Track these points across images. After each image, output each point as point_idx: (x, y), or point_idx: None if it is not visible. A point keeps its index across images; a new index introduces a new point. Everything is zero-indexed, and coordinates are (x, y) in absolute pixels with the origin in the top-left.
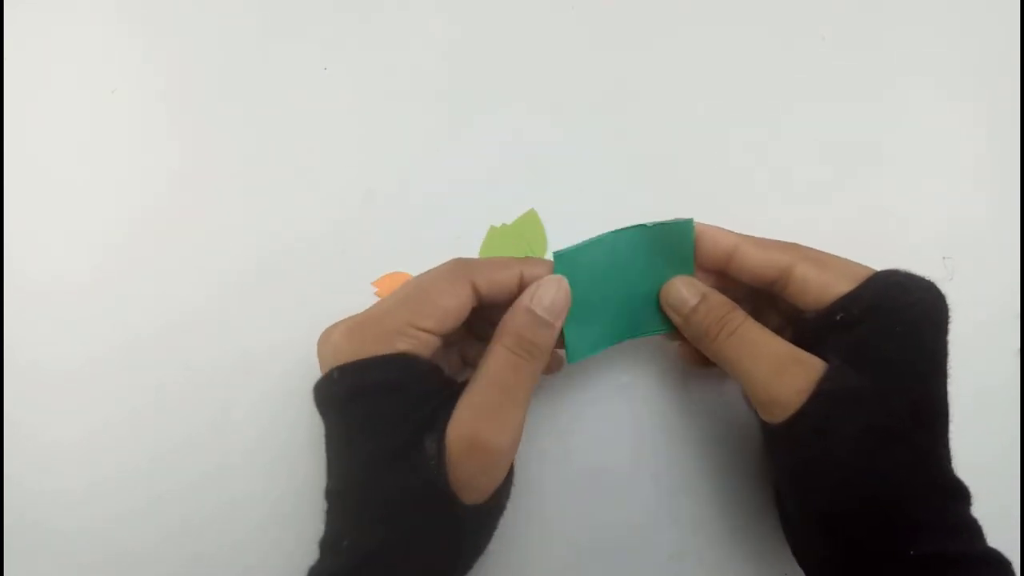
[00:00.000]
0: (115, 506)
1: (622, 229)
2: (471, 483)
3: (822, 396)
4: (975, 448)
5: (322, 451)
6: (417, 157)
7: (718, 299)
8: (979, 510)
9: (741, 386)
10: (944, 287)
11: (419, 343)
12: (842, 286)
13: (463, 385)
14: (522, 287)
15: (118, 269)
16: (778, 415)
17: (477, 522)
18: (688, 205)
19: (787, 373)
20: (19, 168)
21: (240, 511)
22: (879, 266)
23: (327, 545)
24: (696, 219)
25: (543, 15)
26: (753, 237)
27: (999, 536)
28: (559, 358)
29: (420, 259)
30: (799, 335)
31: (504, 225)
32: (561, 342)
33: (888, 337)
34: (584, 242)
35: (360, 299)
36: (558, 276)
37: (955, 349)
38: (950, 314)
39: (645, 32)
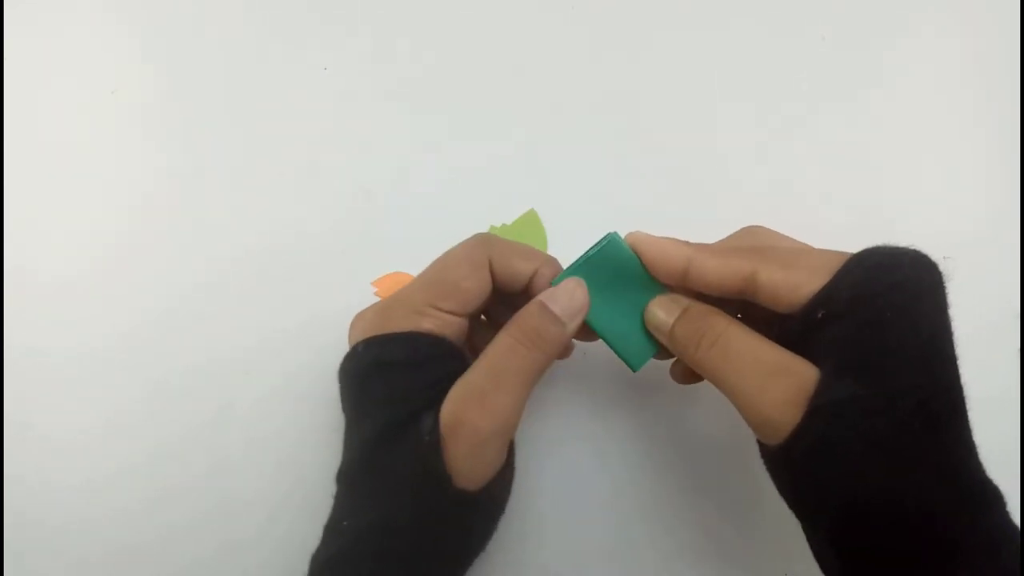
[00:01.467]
0: (115, 502)
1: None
2: (461, 466)
3: (817, 413)
4: None
5: (321, 449)
6: (417, 157)
7: (698, 309)
8: None
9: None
10: None
11: (443, 323)
12: (814, 282)
13: None
14: (533, 282)
15: (118, 268)
16: (772, 437)
17: (469, 512)
18: (687, 205)
19: (775, 388)
20: (19, 168)
21: (240, 508)
22: None
23: (329, 527)
24: (686, 220)
25: (543, 15)
26: (708, 246)
27: None
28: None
29: (420, 259)
30: (786, 341)
31: (504, 225)
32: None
33: (878, 330)
34: (582, 259)
35: (360, 299)
36: (577, 278)
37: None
38: (946, 286)
39: (645, 32)
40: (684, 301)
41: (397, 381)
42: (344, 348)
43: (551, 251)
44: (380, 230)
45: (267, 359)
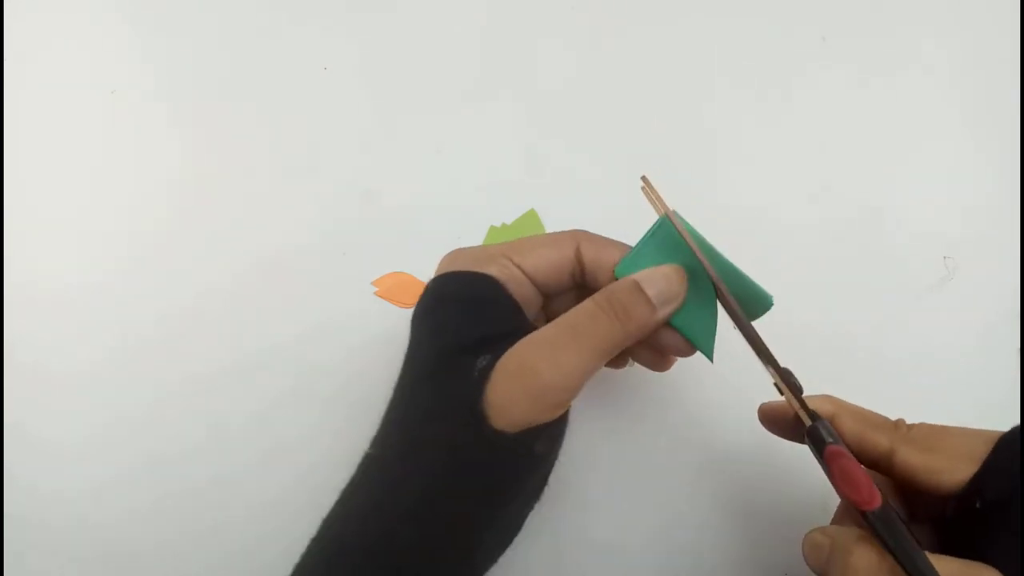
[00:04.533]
0: (116, 506)
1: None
2: (504, 405)
3: None
4: None
5: (322, 450)
6: (417, 157)
7: (840, 543)
8: None
9: None
10: (944, 287)
11: (509, 275)
12: (958, 469)
13: None
14: None
15: (118, 269)
16: None
17: (500, 454)
18: (688, 205)
19: None
20: (19, 169)
21: (240, 513)
22: (880, 266)
23: (359, 465)
24: (687, 220)
25: (542, 14)
26: (854, 408)
27: None
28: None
29: (420, 259)
30: (943, 524)
31: (504, 225)
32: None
33: None
34: (642, 242)
35: (360, 299)
36: (677, 266)
37: (955, 349)
38: None
39: (645, 32)
40: (832, 533)
41: (449, 317)
42: (344, 348)
43: None
44: (380, 230)
45: (268, 359)
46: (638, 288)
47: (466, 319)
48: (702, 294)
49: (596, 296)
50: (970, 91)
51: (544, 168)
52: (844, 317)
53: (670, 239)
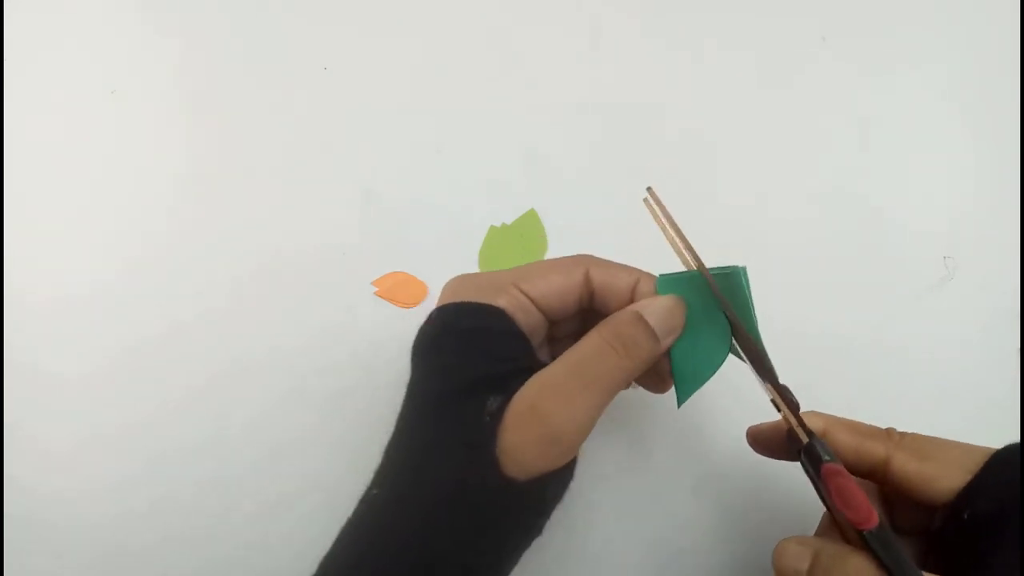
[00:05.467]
0: (116, 507)
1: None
2: (516, 453)
3: None
4: None
5: (322, 451)
6: (417, 157)
7: (830, 553)
8: None
9: None
10: (944, 287)
11: (518, 305)
12: (952, 477)
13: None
14: (634, 298)
15: (118, 271)
16: None
17: (509, 501)
18: (688, 204)
19: None
20: (20, 169)
21: (240, 514)
22: (880, 266)
23: (360, 500)
24: (686, 219)
25: (542, 15)
26: (846, 421)
27: None
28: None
29: (420, 259)
30: (929, 534)
31: (504, 225)
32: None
33: None
34: (685, 272)
35: (360, 299)
36: (675, 297)
37: (955, 349)
38: None
39: (644, 32)
40: (814, 544)
41: (455, 351)
42: (344, 348)
43: (551, 251)
44: (380, 230)
45: (268, 360)
46: (641, 319)
47: (473, 355)
48: (714, 340)
49: (602, 330)
50: (970, 91)
51: (544, 168)
52: (844, 317)
53: (722, 280)
